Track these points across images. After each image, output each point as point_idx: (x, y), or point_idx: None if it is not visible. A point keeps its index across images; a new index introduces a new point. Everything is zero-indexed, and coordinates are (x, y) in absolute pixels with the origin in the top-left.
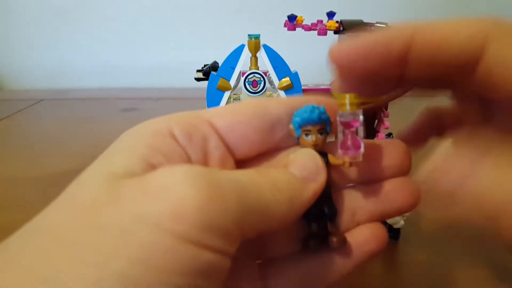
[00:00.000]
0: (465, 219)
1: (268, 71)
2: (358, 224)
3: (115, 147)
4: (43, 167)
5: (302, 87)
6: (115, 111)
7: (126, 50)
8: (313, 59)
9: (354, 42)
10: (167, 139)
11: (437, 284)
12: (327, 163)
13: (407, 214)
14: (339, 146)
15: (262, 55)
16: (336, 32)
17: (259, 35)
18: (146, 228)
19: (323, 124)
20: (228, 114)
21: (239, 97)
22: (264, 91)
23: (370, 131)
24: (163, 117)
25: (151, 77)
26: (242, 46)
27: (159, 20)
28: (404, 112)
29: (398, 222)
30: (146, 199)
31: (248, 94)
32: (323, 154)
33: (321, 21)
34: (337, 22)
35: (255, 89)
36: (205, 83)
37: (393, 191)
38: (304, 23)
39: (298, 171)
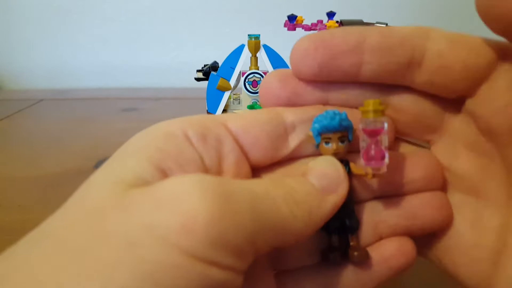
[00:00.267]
0: None
1: (268, 71)
2: (381, 238)
3: (125, 149)
4: (43, 167)
5: None
6: (115, 111)
7: (126, 50)
8: None
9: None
10: (180, 141)
11: (437, 283)
12: (349, 172)
13: None
14: (361, 155)
15: (262, 55)
16: None
17: (259, 35)
18: (153, 241)
19: (345, 132)
20: (241, 118)
21: (239, 97)
22: None
23: None
24: (177, 119)
25: (151, 77)
26: (242, 46)
27: (159, 20)
28: None
29: None
30: (154, 210)
31: (248, 94)
32: (345, 162)
33: (321, 21)
34: (337, 22)
35: (255, 89)
36: (205, 83)
37: (420, 206)
38: (304, 23)
39: (317, 180)
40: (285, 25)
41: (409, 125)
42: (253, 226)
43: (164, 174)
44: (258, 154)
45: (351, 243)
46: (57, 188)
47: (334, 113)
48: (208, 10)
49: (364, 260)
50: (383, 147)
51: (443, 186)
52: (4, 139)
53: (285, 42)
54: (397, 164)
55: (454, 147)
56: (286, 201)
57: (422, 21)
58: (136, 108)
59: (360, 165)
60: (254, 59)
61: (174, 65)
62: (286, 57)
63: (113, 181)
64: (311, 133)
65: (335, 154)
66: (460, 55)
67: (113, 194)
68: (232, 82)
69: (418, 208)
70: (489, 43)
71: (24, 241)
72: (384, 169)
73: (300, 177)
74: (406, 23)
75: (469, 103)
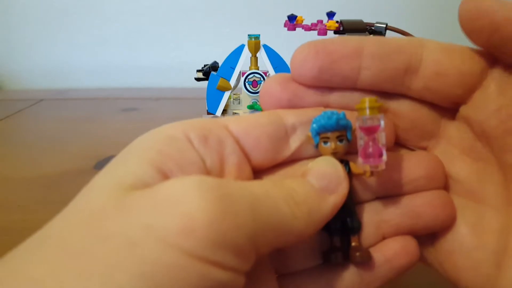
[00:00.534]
0: None
1: (268, 71)
2: (383, 238)
3: (126, 153)
4: (42, 167)
5: None
6: (115, 111)
7: (126, 50)
8: None
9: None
10: (181, 144)
11: (437, 283)
12: (349, 172)
13: None
14: (359, 154)
15: (262, 55)
16: (336, 32)
17: (259, 35)
18: (152, 242)
19: (343, 131)
20: (243, 121)
21: (239, 97)
22: None
23: None
24: (179, 122)
25: (151, 77)
26: (242, 46)
27: (159, 20)
28: None
29: None
30: (154, 211)
31: (248, 94)
32: (345, 162)
33: (321, 21)
34: (337, 22)
35: (255, 89)
36: (205, 83)
37: (423, 205)
38: (304, 23)
39: (317, 180)
40: (285, 25)
41: (406, 131)
42: (254, 226)
43: (165, 176)
44: (259, 156)
45: (353, 244)
46: (57, 188)
47: (332, 113)
48: (208, 10)
49: (366, 261)
50: (380, 145)
51: (445, 185)
52: (4, 139)
53: (285, 42)
54: (398, 163)
55: (451, 153)
56: (287, 202)
57: (422, 21)
58: (136, 108)
59: (358, 164)
60: (254, 59)
61: (174, 65)
62: (286, 57)
63: (114, 183)
64: (310, 134)
65: (334, 154)
66: (455, 62)
67: (113, 196)
68: (232, 82)
69: (421, 207)
70: (481, 51)
71: (24, 244)
72: (382, 166)
73: (300, 178)
74: (406, 23)
75: (464, 109)
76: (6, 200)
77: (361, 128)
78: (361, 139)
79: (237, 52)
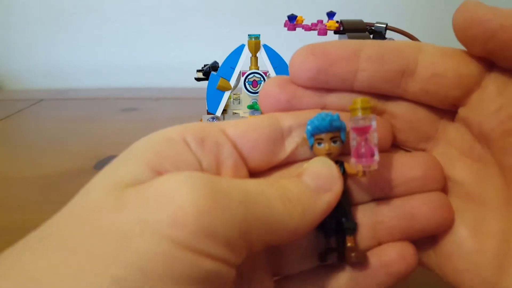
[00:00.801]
0: None
1: (268, 71)
2: (380, 243)
3: (124, 155)
4: (42, 167)
5: None
6: (115, 111)
7: (126, 50)
8: None
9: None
10: (178, 146)
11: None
12: (344, 173)
13: None
14: (352, 154)
15: (262, 55)
16: (336, 32)
17: (259, 35)
18: (145, 235)
19: (337, 132)
20: (240, 124)
21: (239, 97)
22: None
23: None
24: (177, 126)
25: (151, 77)
26: (242, 46)
27: (159, 20)
28: None
29: None
30: (147, 205)
31: (248, 94)
32: (339, 163)
33: (321, 21)
34: (337, 22)
35: (255, 89)
36: (205, 83)
37: (418, 206)
38: (304, 23)
39: (312, 180)
40: (285, 25)
41: (404, 133)
42: (245, 219)
43: (160, 175)
44: (256, 159)
45: (348, 244)
46: (57, 188)
47: (326, 115)
48: (208, 10)
49: (361, 261)
50: (372, 145)
51: (444, 187)
52: (4, 139)
53: (285, 42)
54: (394, 164)
55: (450, 155)
56: (281, 199)
57: (422, 21)
58: (136, 108)
59: (351, 164)
60: (254, 59)
61: (174, 65)
62: (286, 57)
63: (112, 183)
64: (305, 136)
65: (328, 155)
66: (452, 64)
67: (109, 194)
68: (232, 82)
69: (416, 208)
70: None
71: (23, 241)
72: (374, 166)
73: (294, 178)
74: (406, 23)
75: (462, 111)
76: (6, 200)
77: (353, 129)
78: (354, 140)
79: (237, 52)
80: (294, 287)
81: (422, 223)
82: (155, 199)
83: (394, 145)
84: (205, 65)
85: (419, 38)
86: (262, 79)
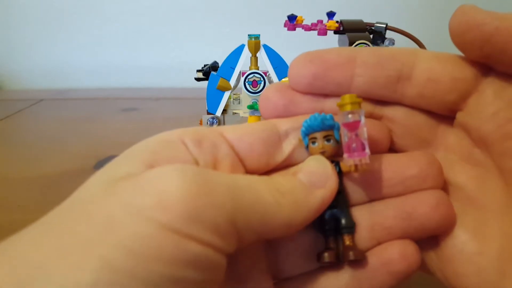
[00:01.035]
0: None
1: (268, 71)
2: (380, 243)
3: (122, 155)
4: (42, 167)
5: None
6: (115, 111)
7: (126, 50)
8: None
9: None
10: (175, 146)
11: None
12: (340, 172)
13: None
14: (344, 150)
15: (262, 55)
16: (336, 32)
17: (259, 35)
18: (131, 217)
19: (330, 131)
20: (237, 128)
21: (239, 97)
22: None
23: None
24: (176, 129)
25: (151, 77)
26: (242, 46)
27: (159, 20)
28: None
29: None
30: (134, 191)
31: (248, 94)
32: (335, 162)
33: (321, 21)
34: (337, 22)
35: (255, 89)
36: (205, 83)
37: (415, 205)
38: (304, 23)
39: (305, 177)
40: (285, 25)
41: (403, 138)
42: (233, 206)
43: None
44: (253, 161)
45: (346, 243)
46: (57, 188)
47: (319, 115)
48: (208, 10)
49: (359, 259)
50: (362, 139)
51: (444, 185)
52: (4, 139)
53: (285, 42)
54: (390, 163)
55: (450, 160)
56: (270, 190)
57: (422, 22)
58: (136, 108)
59: (345, 161)
60: (254, 59)
61: (174, 65)
62: (286, 57)
63: (106, 178)
64: (300, 137)
65: (323, 153)
66: (447, 68)
67: (103, 186)
68: (232, 82)
69: (413, 207)
70: None
71: (18, 233)
72: (366, 160)
73: (288, 175)
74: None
75: (460, 116)
76: (6, 200)
77: (344, 125)
78: (345, 136)
79: (237, 52)
80: None
81: (422, 222)
82: (142, 186)
83: (393, 151)
84: (205, 65)
85: (419, 38)
86: (262, 79)
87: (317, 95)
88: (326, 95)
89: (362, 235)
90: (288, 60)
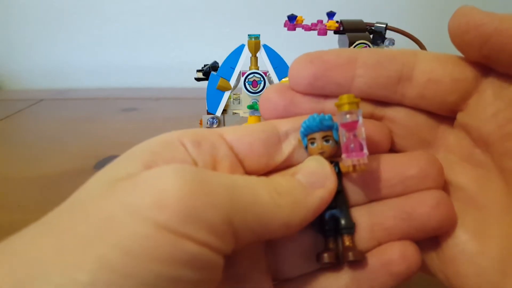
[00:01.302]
0: None
1: (268, 71)
2: (380, 244)
3: (122, 156)
4: (42, 167)
5: None
6: (115, 111)
7: (126, 50)
8: None
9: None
10: (174, 146)
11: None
12: (339, 173)
13: None
14: (342, 150)
15: (262, 55)
16: (336, 32)
17: (259, 35)
18: (129, 217)
19: (328, 131)
20: (237, 130)
21: (239, 97)
22: None
23: None
24: (175, 131)
25: (151, 77)
26: (242, 46)
27: (159, 20)
28: None
29: None
30: (132, 190)
31: (248, 94)
32: (335, 163)
33: (321, 21)
34: (337, 22)
35: (255, 89)
36: (205, 83)
37: (415, 205)
38: (304, 23)
39: (304, 177)
40: (285, 25)
41: (403, 138)
42: (230, 206)
43: None
44: (253, 162)
45: (346, 244)
46: (57, 188)
47: (318, 115)
48: (208, 10)
49: (358, 260)
50: (360, 139)
51: (444, 185)
52: (4, 139)
53: (285, 42)
54: (390, 163)
55: (451, 160)
56: (268, 190)
57: (422, 21)
58: (136, 108)
59: (343, 161)
60: (254, 59)
61: (174, 65)
62: (286, 57)
63: (105, 178)
64: (299, 138)
65: (321, 153)
66: (447, 69)
67: (103, 186)
68: (232, 82)
69: (413, 207)
70: None
71: (20, 232)
72: (364, 160)
73: (287, 175)
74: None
75: (461, 116)
76: (6, 200)
77: (342, 125)
78: (344, 136)
79: (237, 52)
80: None
81: (422, 222)
82: (140, 186)
83: (394, 151)
84: (205, 65)
85: (419, 38)
86: (262, 79)
87: (317, 95)
88: (326, 96)
89: (362, 236)
90: (288, 60)
